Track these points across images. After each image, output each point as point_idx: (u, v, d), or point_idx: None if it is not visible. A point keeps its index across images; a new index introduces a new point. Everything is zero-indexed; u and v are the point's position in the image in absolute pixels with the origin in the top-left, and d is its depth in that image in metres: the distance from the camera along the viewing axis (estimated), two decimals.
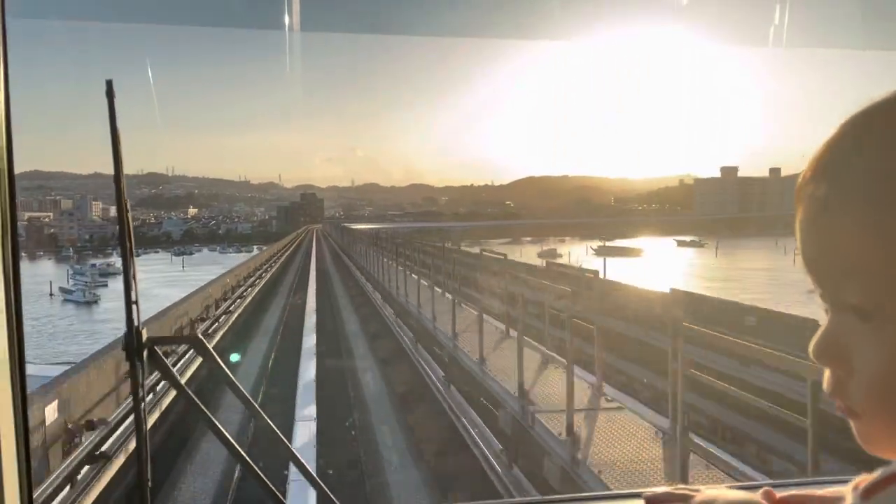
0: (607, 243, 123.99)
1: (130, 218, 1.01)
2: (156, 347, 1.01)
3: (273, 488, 1.10)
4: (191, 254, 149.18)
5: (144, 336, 1.01)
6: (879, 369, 0.52)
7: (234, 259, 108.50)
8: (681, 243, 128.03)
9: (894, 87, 0.53)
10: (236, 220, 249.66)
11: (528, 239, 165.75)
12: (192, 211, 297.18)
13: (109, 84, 0.97)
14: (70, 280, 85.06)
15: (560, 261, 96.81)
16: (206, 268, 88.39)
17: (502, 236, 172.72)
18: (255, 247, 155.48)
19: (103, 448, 9.61)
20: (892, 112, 0.54)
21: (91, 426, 10.22)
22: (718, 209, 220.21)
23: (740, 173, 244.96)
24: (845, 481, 0.56)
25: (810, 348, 0.56)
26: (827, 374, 0.56)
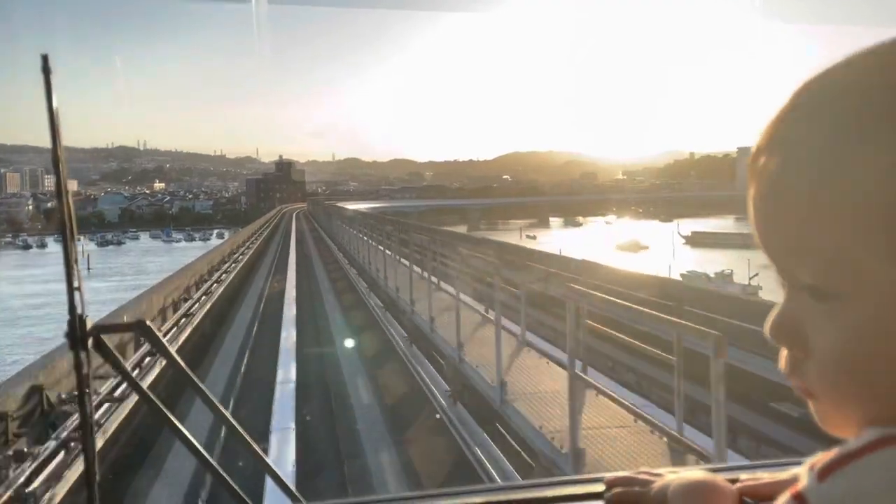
0: (691, 228, 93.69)
1: (71, 200, 0.93)
2: (102, 336, 0.95)
3: (242, 495, 1.03)
4: (120, 243, 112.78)
5: (89, 324, 0.93)
6: (835, 350, 0.51)
7: (180, 252, 77.14)
8: None
9: None
10: (202, 196, 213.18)
11: (558, 220, 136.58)
12: (157, 185, 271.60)
13: (45, 59, 0.88)
14: None
15: (643, 251, 68.72)
16: (116, 280, 56.09)
17: (523, 216, 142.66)
18: (214, 231, 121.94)
19: (96, 416, 10.19)
20: (848, 78, 0.51)
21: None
22: None
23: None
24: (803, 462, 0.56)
25: (766, 327, 0.55)
26: (783, 353, 0.55)
